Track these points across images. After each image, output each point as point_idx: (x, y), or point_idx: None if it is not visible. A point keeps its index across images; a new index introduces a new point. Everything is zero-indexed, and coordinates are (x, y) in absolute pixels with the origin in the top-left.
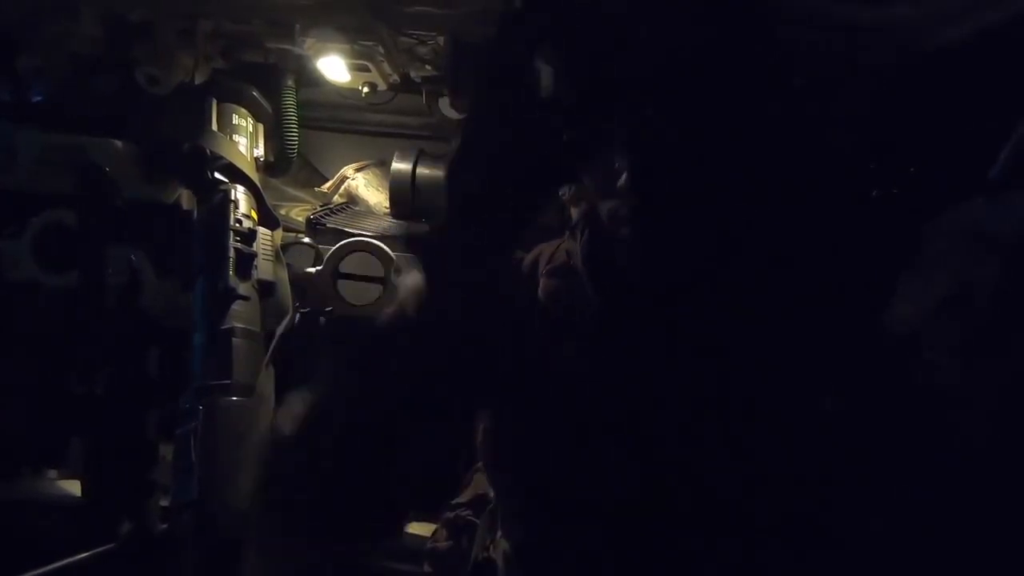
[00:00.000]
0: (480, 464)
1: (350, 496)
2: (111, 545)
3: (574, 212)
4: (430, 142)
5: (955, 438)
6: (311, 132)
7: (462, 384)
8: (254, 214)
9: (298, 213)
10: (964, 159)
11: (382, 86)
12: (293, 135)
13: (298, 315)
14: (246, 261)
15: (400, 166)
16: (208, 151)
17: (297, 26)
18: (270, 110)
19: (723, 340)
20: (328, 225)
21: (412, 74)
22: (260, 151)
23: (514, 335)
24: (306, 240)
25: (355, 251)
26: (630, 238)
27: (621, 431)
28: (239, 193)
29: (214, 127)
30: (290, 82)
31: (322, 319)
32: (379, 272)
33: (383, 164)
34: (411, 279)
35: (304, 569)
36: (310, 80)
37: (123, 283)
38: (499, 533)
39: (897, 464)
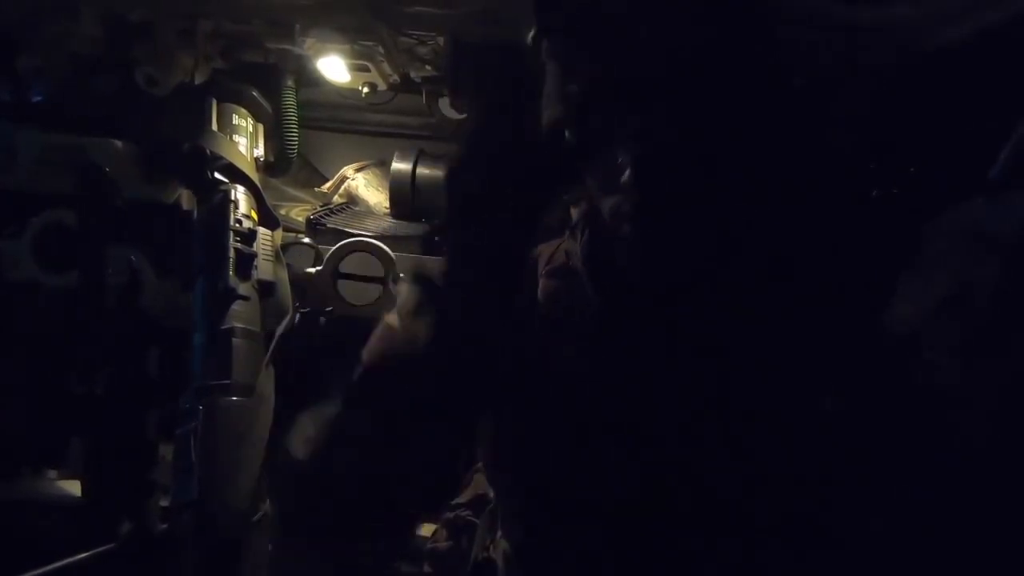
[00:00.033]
0: (480, 464)
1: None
2: (111, 545)
3: (574, 212)
4: (430, 142)
5: (955, 438)
6: (311, 132)
7: (463, 385)
8: (254, 214)
9: (298, 213)
10: (964, 159)
11: (382, 86)
12: (293, 135)
13: (298, 315)
14: (246, 261)
15: (400, 166)
16: (208, 151)
17: (297, 26)
18: (270, 110)
19: (723, 340)
20: (328, 225)
21: (412, 74)
22: (260, 151)
23: (514, 335)
24: (306, 240)
25: (355, 251)
26: (631, 236)
27: (621, 431)
28: (239, 193)
29: (214, 127)
30: (290, 82)
31: (322, 319)
32: (379, 272)
33: (383, 164)
34: (410, 286)
35: (310, 570)
36: (310, 80)
37: (123, 283)
38: (499, 533)
39: (897, 464)
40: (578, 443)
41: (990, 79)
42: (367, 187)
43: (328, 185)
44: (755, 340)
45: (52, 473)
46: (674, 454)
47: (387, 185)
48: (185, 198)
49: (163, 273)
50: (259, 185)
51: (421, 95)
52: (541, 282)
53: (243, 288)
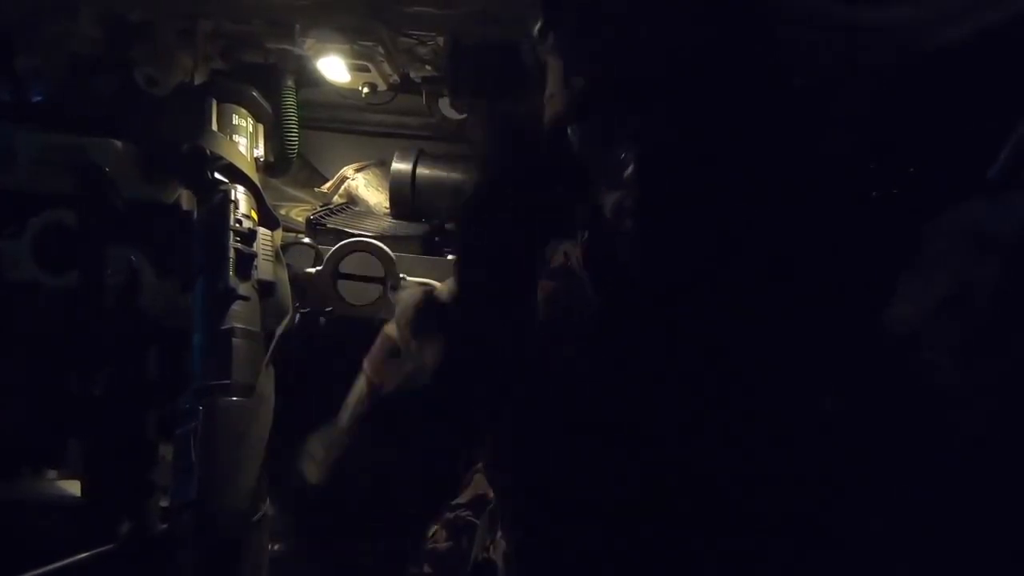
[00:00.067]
0: (480, 464)
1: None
2: (111, 545)
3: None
4: (430, 142)
5: (955, 438)
6: (311, 132)
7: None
8: (254, 214)
9: (298, 213)
10: (964, 159)
11: (382, 86)
12: (293, 135)
13: (298, 315)
14: (246, 261)
15: (400, 166)
16: (208, 151)
17: (297, 26)
18: (270, 110)
19: (723, 340)
20: (328, 225)
21: (412, 74)
22: (260, 151)
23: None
24: (306, 240)
25: (355, 251)
26: (633, 233)
27: (621, 431)
28: (239, 193)
29: (214, 127)
30: (290, 82)
31: (322, 319)
32: (379, 272)
33: (383, 164)
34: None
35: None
36: (310, 80)
37: (123, 283)
38: (499, 533)
39: (897, 464)
40: (578, 443)
41: (990, 79)
42: (367, 187)
43: (328, 185)
44: (755, 340)
45: (52, 473)
46: (674, 454)
47: (387, 185)
48: (185, 198)
49: (163, 273)
50: (259, 185)
51: (421, 95)
52: (540, 282)
53: (243, 288)
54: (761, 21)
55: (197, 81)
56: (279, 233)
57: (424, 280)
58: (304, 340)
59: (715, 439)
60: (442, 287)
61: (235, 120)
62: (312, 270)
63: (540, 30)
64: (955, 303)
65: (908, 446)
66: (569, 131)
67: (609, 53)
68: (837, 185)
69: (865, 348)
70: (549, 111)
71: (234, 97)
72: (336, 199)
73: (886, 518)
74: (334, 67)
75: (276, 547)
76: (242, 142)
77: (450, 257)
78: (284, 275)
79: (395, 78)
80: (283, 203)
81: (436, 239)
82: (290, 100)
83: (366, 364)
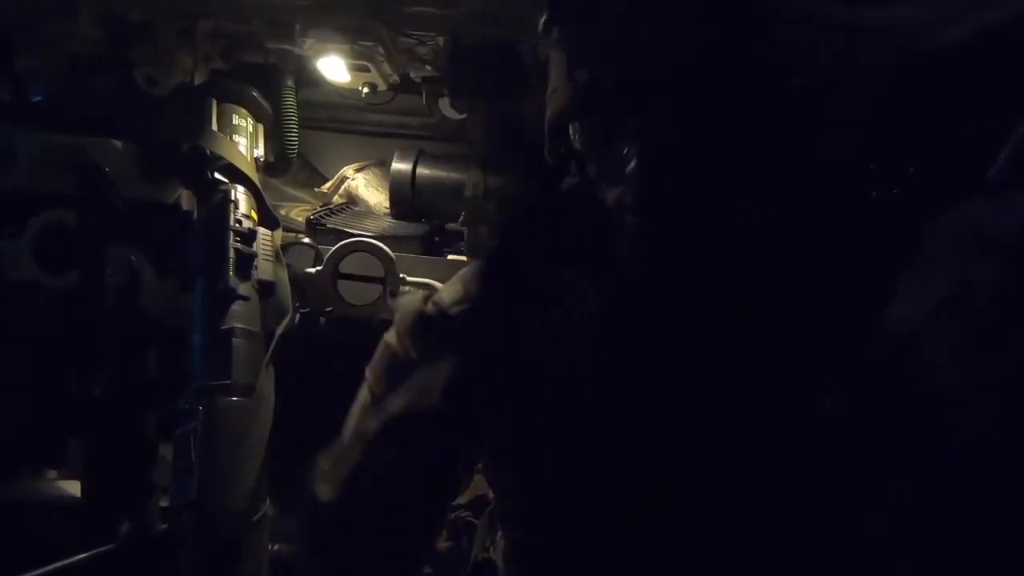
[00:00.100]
0: (480, 464)
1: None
2: (111, 545)
3: (575, 212)
4: (430, 142)
5: (955, 438)
6: (311, 132)
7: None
8: (254, 214)
9: (298, 213)
10: (964, 159)
11: (382, 86)
12: (293, 135)
13: (298, 315)
14: (246, 261)
15: (400, 166)
16: (208, 151)
17: (297, 26)
18: (270, 110)
19: (723, 340)
20: (328, 225)
21: (412, 74)
22: (260, 151)
23: (514, 335)
24: (306, 240)
25: (355, 251)
26: (633, 232)
27: (621, 431)
28: (239, 193)
29: (214, 127)
30: (290, 82)
31: (322, 319)
32: (379, 272)
33: (383, 164)
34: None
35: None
36: (310, 80)
37: (123, 283)
38: (499, 533)
39: (897, 464)
40: (578, 443)
41: (990, 79)
42: (367, 187)
43: (328, 185)
44: (755, 340)
45: (52, 473)
46: (674, 454)
47: (387, 185)
48: (185, 198)
49: (163, 273)
50: (259, 185)
51: (421, 95)
52: (540, 283)
53: (243, 288)
54: (761, 21)
55: (197, 81)
56: (279, 233)
57: (424, 280)
58: (304, 340)
59: (715, 439)
60: (441, 292)
61: (235, 120)
62: (312, 270)
63: (544, 25)
64: (955, 303)
65: (908, 446)
66: (571, 128)
67: (611, 51)
68: (837, 185)
69: (865, 348)
70: (551, 107)
71: (234, 97)
72: (336, 199)
73: (886, 518)
74: (334, 67)
75: (276, 547)
76: (242, 142)
77: (450, 257)
78: (284, 275)
79: (395, 78)
80: (283, 203)
81: (436, 239)
82: (290, 100)
83: (368, 373)
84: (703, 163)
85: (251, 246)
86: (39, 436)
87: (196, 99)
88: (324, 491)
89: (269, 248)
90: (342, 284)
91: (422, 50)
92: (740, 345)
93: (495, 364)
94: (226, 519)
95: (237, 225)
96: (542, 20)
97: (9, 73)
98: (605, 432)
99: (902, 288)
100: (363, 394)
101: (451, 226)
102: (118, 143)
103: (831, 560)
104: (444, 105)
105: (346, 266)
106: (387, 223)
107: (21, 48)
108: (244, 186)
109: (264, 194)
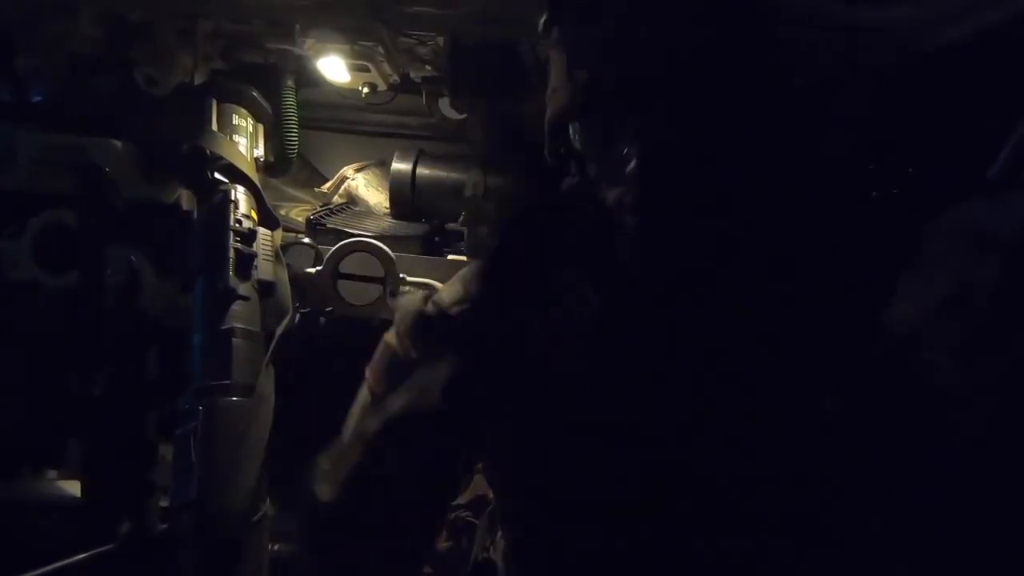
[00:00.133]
0: (480, 464)
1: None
2: (111, 545)
3: (575, 212)
4: (430, 142)
5: (955, 438)
6: (311, 132)
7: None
8: (254, 214)
9: (298, 213)
10: (964, 159)
11: (382, 86)
12: (293, 135)
13: (298, 315)
14: (246, 261)
15: (400, 166)
16: (208, 151)
17: (297, 26)
18: (270, 110)
19: (723, 340)
20: (328, 225)
21: (412, 74)
22: (260, 151)
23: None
24: (306, 240)
25: (355, 251)
26: (633, 231)
27: (621, 431)
28: (239, 193)
29: (214, 127)
30: (290, 82)
31: (322, 319)
32: (379, 272)
33: (383, 164)
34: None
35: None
36: (310, 80)
37: (123, 283)
38: (499, 533)
39: (897, 464)
40: (578, 443)
41: (990, 79)
42: (367, 187)
43: (328, 185)
44: (755, 340)
45: (52, 473)
46: (674, 454)
47: (387, 185)
48: (185, 198)
49: (163, 273)
50: (259, 185)
51: (421, 95)
52: (540, 283)
53: (243, 288)
54: (761, 21)
55: (197, 81)
56: (279, 233)
57: (424, 280)
58: (304, 340)
59: (715, 439)
60: (441, 292)
61: (235, 120)
62: (312, 270)
63: (544, 25)
64: (955, 303)
65: (908, 446)
66: (571, 127)
67: (611, 51)
68: (837, 185)
69: (865, 348)
70: (552, 106)
71: (234, 97)
72: (336, 199)
73: (886, 518)
74: (334, 67)
75: (276, 547)
76: (242, 142)
77: (450, 257)
78: (284, 275)
79: (395, 78)
80: (283, 203)
81: (436, 239)
82: (290, 100)
83: (368, 374)
84: (703, 163)
85: (251, 246)
86: (39, 436)
87: (196, 99)
88: (324, 491)
89: (269, 248)
90: (342, 284)
91: (422, 50)
92: (740, 345)
93: (495, 364)
94: (226, 519)
95: (237, 225)
96: (542, 20)
97: (9, 73)
98: (605, 432)
99: (902, 288)
100: (363, 394)
101: (451, 226)
102: (118, 143)
103: (831, 560)
104: (444, 105)
105: (346, 266)
106: (387, 223)
107: (21, 48)
108: (244, 186)
109: (264, 194)
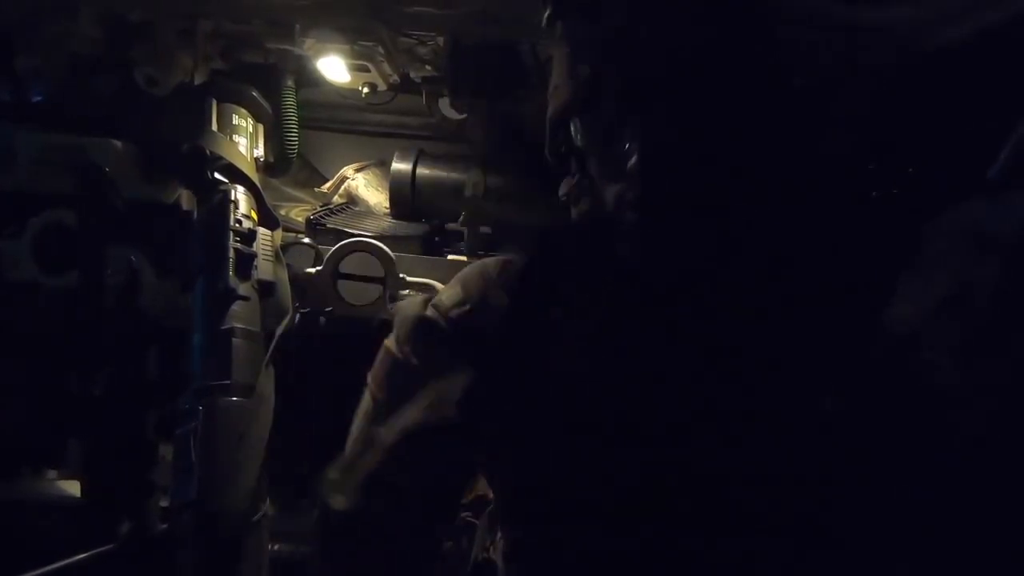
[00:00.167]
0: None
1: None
2: (111, 545)
3: (575, 211)
4: (430, 142)
5: (955, 438)
6: (311, 132)
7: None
8: (254, 214)
9: (298, 213)
10: (964, 159)
11: (382, 86)
12: (293, 135)
13: (298, 315)
14: (246, 261)
15: (400, 166)
16: (208, 151)
17: (297, 26)
18: (270, 110)
19: (723, 339)
20: (328, 225)
21: (412, 74)
22: (260, 151)
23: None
24: (306, 240)
25: (355, 251)
26: (633, 230)
27: (622, 431)
28: (239, 193)
29: (214, 127)
30: (290, 82)
31: (322, 319)
32: (379, 272)
33: (383, 164)
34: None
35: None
36: (310, 80)
37: (123, 283)
38: (499, 534)
39: (897, 464)
40: (578, 443)
41: (990, 79)
42: (367, 187)
43: (328, 185)
44: (755, 339)
45: (52, 473)
46: (674, 454)
47: (387, 185)
48: (185, 198)
49: (163, 273)
50: (259, 185)
51: (421, 95)
52: (540, 283)
53: (243, 288)
54: (761, 21)
55: (197, 81)
56: (279, 233)
57: (424, 280)
58: (304, 340)
59: (715, 439)
60: (440, 294)
61: (235, 120)
62: (312, 270)
63: (547, 21)
64: (955, 303)
65: (908, 446)
66: (572, 125)
67: (612, 49)
68: (837, 185)
69: (865, 348)
70: (554, 103)
71: (234, 97)
72: (336, 199)
73: (886, 518)
74: (334, 67)
75: (276, 547)
76: (242, 142)
77: (450, 257)
78: (284, 275)
79: (395, 78)
80: (283, 203)
81: (436, 239)
82: (290, 100)
83: (369, 380)
84: (704, 161)
85: (251, 246)
86: (39, 436)
87: (196, 99)
88: (338, 500)
89: (269, 248)
90: (342, 284)
91: (422, 50)
92: (740, 344)
93: (496, 365)
94: (226, 519)
95: (237, 225)
96: (544, 15)
97: (9, 73)
98: (605, 432)
99: (902, 288)
100: (366, 401)
101: (451, 226)
102: (118, 143)
103: (831, 560)
104: (444, 105)
105: (346, 266)
106: (387, 223)
107: (21, 48)
108: (244, 186)
109: (264, 194)
